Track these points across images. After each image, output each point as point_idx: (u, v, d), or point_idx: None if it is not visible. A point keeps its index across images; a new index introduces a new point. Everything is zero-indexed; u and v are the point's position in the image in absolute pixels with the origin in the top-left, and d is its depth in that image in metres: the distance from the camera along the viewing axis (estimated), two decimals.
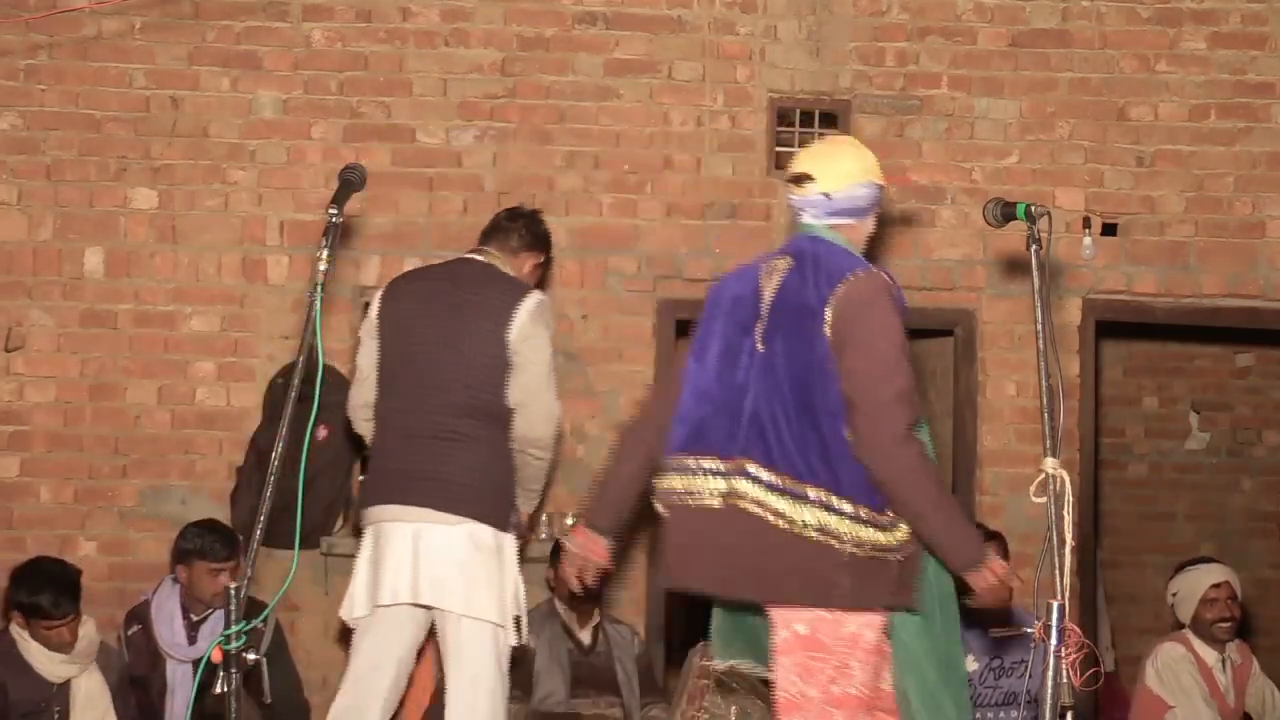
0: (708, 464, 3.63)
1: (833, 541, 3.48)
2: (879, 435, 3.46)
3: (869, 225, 3.85)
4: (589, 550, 3.96)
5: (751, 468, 3.55)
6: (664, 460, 3.74)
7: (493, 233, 4.85)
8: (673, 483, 3.70)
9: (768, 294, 3.71)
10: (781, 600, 3.56)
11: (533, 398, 4.52)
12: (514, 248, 4.80)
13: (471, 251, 4.81)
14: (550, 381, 4.58)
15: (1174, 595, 5.87)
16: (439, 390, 4.48)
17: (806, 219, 3.80)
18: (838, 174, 3.76)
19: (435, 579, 4.37)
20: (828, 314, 3.55)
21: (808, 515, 3.49)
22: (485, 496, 4.45)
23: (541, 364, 4.55)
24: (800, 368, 3.56)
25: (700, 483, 3.63)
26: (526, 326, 4.52)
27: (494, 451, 4.51)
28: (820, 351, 3.54)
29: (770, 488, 3.52)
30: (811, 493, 3.49)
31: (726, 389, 3.66)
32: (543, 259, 4.94)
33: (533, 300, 4.60)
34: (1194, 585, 5.79)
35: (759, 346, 3.65)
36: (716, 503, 3.59)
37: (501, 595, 4.43)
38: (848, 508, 3.49)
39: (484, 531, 4.42)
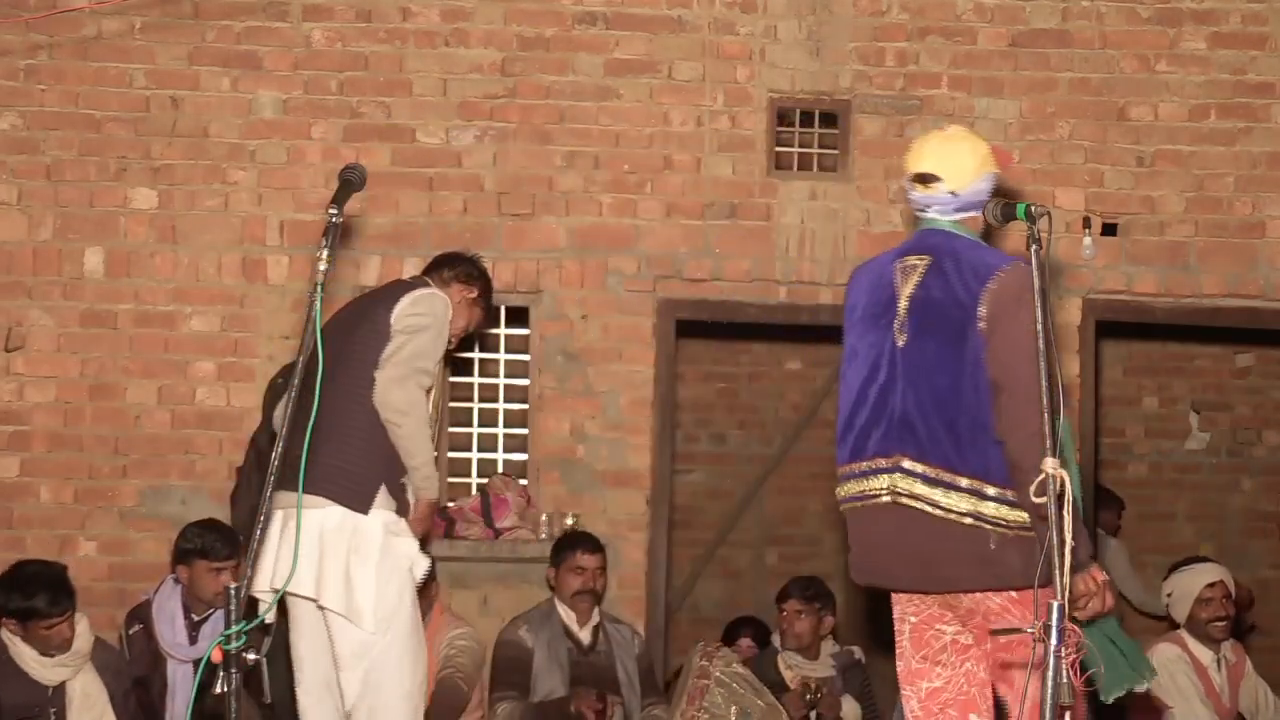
0: (871, 465, 3.75)
1: (983, 525, 3.62)
2: (1020, 427, 3.56)
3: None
4: None
5: (906, 463, 3.69)
6: (840, 470, 3.84)
7: (431, 265, 5.06)
8: (849, 489, 3.81)
9: (906, 290, 3.75)
10: (954, 589, 3.70)
11: (388, 361, 4.55)
12: (446, 278, 4.95)
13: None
14: (411, 350, 4.59)
15: (1169, 595, 5.87)
16: (331, 378, 4.47)
17: (932, 214, 3.85)
18: (962, 171, 3.81)
19: (288, 565, 4.30)
20: (981, 310, 3.65)
21: (961, 503, 3.63)
22: (338, 478, 4.40)
23: (407, 334, 4.60)
24: (949, 361, 3.68)
25: (869, 484, 3.75)
26: (406, 307, 4.63)
27: (362, 433, 4.50)
28: (973, 345, 3.65)
29: (925, 480, 3.66)
30: (964, 481, 3.63)
31: (875, 389, 3.77)
32: (475, 294, 5.01)
33: (424, 290, 4.74)
34: (1189, 585, 5.79)
35: (899, 342, 3.75)
36: (885, 499, 3.72)
37: (349, 583, 4.39)
38: (993, 491, 3.62)
39: (336, 513, 4.38)
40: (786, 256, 6.51)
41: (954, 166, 3.80)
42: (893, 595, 3.86)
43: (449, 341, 4.99)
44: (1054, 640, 3.04)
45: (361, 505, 4.45)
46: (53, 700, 5.11)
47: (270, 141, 6.46)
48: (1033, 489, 3.17)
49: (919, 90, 6.58)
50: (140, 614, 5.59)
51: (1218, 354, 8.91)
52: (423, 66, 6.51)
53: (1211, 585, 5.75)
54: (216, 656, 3.28)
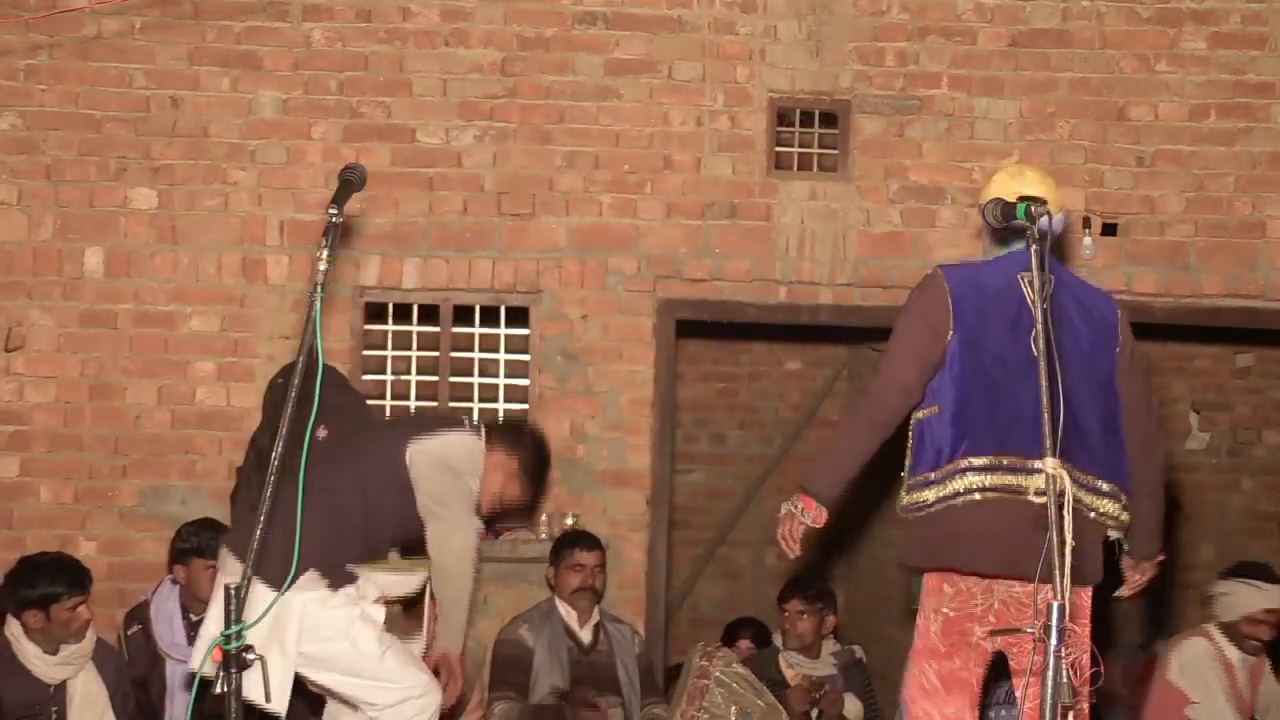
0: (1020, 462, 3.89)
1: (1109, 522, 4.07)
2: (1159, 446, 4.25)
3: None
4: (818, 520, 4.13)
5: (1052, 465, 3.75)
6: (970, 461, 3.95)
7: (493, 424, 5.16)
8: (993, 480, 3.92)
9: (1040, 305, 3.74)
10: (1091, 582, 4.05)
11: (441, 505, 4.67)
12: (493, 439, 4.97)
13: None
14: (459, 496, 4.70)
15: (1222, 594, 5.80)
16: (315, 458, 4.45)
17: (1025, 242, 3.88)
18: (1056, 202, 4.02)
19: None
20: (1120, 337, 4.12)
21: (1107, 505, 4.03)
22: (264, 547, 3.95)
23: (452, 475, 4.71)
24: (1090, 378, 4.04)
25: (1016, 479, 3.89)
26: (443, 447, 4.72)
27: (312, 518, 4.25)
28: (1108, 367, 4.08)
29: (1078, 484, 3.85)
30: (1105, 486, 4.03)
31: (1016, 390, 3.93)
32: (515, 466, 5.01)
33: (461, 433, 4.81)
34: (1248, 600, 5.71)
35: (1035, 352, 3.77)
36: (1033, 498, 3.84)
37: (264, 668, 4.28)
38: (1124, 497, 4.09)
39: (258, 590, 3.99)
40: (786, 256, 6.51)
41: (1053, 196, 3.98)
42: (935, 582, 4.07)
43: (479, 509, 4.96)
44: (1054, 640, 3.04)
45: (274, 583, 4.21)
46: (54, 698, 5.12)
47: (270, 141, 6.46)
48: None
49: (919, 90, 6.58)
50: (138, 615, 5.60)
51: (1218, 354, 8.91)
52: (423, 66, 6.51)
53: (1270, 610, 5.72)
54: (216, 656, 3.27)
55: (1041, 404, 3.62)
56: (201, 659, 3.84)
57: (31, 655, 5.08)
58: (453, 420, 5.00)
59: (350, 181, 3.68)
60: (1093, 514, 3.96)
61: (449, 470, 4.71)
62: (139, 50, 6.45)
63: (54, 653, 5.10)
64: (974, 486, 3.92)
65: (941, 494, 3.96)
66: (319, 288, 3.42)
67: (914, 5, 6.61)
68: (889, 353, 4.09)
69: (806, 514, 4.05)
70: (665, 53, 6.54)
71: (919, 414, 4.05)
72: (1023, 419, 3.86)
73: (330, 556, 4.53)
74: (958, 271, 4.12)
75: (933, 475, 3.98)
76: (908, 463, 4.08)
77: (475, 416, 5.09)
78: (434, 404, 6.50)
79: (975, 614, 4.01)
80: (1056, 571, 3.10)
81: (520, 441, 5.04)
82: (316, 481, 4.34)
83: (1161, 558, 4.27)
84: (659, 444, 6.53)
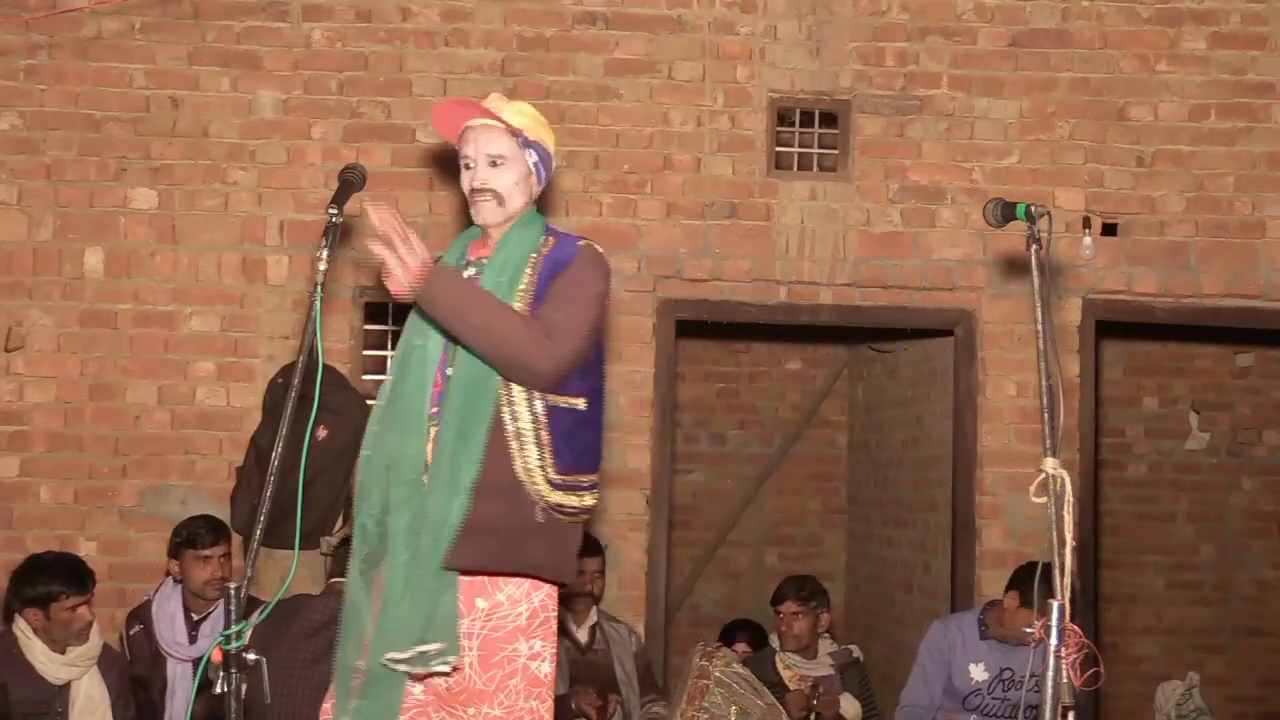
0: None
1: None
2: None
3: None
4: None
5: None
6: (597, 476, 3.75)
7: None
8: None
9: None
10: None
11: None
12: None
13: None
14: None
15: None
16: None
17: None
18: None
19: None
20: None
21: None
22: None
23: None
24: None
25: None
26: None
27: None
28: None
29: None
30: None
31: None
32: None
33: None
34: None
35: None
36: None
37: None
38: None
39: None
40: (786, 256, 6.51)
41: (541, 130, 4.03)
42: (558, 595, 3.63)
43: None
44: (1054, 640, 3.04)
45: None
46: (59, 698, 5.13)
47: (270, 141, 6.46)
48: (1033, 489, 3.20)
49: (919, 90, 6.59)
50: (140, 614, 5.61)
51: (1218, 354, 8.91)
52: (423, 66, 6.51)
53: None
54: (216, 656, 3.27)
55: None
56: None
57: (38, 653, 5.09)
58: None
59: (350, 181, 3.68)
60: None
61: None
62: (139, 50, 6.45)
63: (61, 652, 5.11)
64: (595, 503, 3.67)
65: (594, 502, 3.65)
66: (319, 288, 3.42)
67: (914, 5, 6.61)
68: (578, 324, 3.67)
69: (410, 280, 3.52)
70: (665, 53, 6.55)
71: (574, 400, 3.71)
72: None
73: None
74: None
75: (590, 480, 3.68)
76: (549, 447, 3.59)
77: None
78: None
79: None
80: (1057, 572, 3.09)
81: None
82: None
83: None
84: (659, 444, 6.53)
